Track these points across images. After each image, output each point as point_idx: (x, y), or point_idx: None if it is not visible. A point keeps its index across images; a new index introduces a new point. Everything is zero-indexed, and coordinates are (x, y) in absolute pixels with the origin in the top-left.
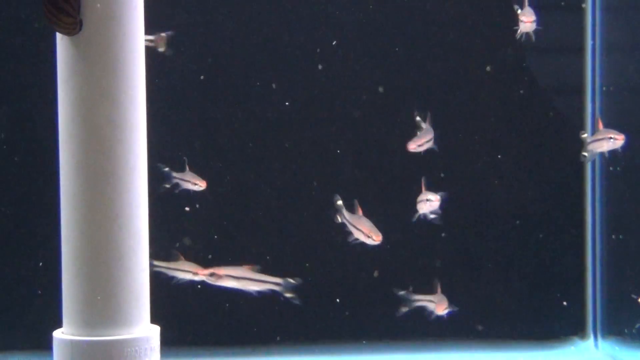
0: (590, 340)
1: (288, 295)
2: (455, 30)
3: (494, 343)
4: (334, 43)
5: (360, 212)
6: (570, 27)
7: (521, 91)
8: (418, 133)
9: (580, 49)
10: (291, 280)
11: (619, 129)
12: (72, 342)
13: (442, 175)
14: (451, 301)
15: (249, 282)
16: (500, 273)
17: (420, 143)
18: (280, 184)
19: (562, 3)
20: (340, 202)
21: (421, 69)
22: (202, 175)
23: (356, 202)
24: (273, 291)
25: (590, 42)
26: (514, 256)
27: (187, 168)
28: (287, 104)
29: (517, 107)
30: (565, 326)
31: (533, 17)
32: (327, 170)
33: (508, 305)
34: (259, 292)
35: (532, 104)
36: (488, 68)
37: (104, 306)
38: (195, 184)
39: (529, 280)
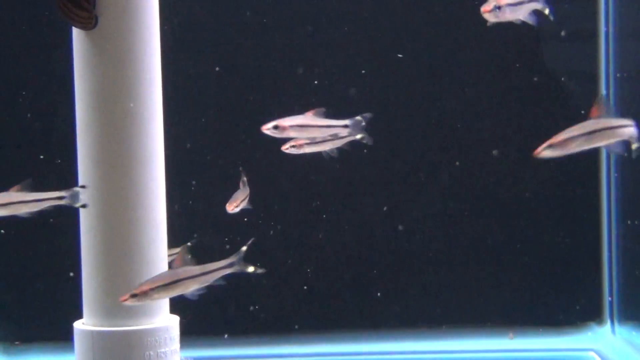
0: (608, 326)
1: (79, 205)
2: (468, 18)
3: (511, 330)
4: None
5: None
6: (584, 13)
7: (535, 78)
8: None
9: (593, 36)
10: (77, 189)
11: (634, 116)
12: (92, 332)
13: (457, 163)
14: (468, 288)
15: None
16: (516, 260)
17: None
18: (297, 175)
19: None
20: None
21: (433, 57)
22: (218, 167)
23: None
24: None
25: (603, 29)
26: (530, 243)
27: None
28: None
29: (531, 94)
30: (582, 312)
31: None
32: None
33: (525, 291)
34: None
35: (545, 91)
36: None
37: None
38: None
39: (545, 266)
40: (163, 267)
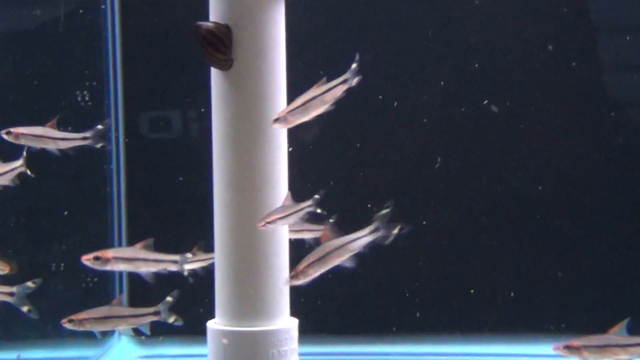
0: None
1: (185, 269)
2: (533, 36)
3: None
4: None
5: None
6: None
7: (609, 111)
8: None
9: None
10: (189, 255)
11: None
12: (223, 331)
13: (540, 188)
14: (537, 295)
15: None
16: (579, 270)
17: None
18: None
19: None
20: None
21: (499, 71)
22: (346, 187)
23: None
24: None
25: None
26: (593, 254)
27: None
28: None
29: (596, 114)
30: None
31: None
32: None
33: (592, 302)
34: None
35: (609, 111)
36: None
37: (251, 301)
38: None
39: (606, 277)
40: (284, 275)
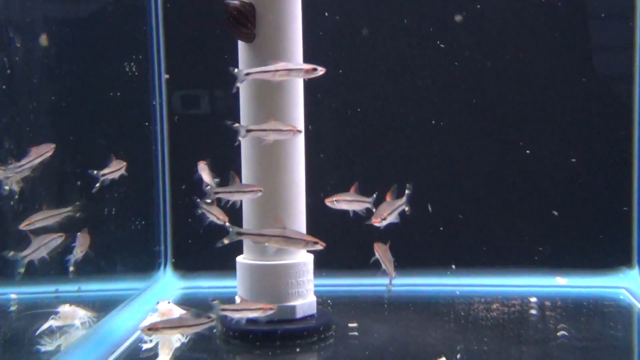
0: (636, 270)
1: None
2: (525, 29)
3: (555, 270)
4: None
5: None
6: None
7: (583, 79)
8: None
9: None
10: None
11: None
12: (250, 265)
13: (521, 143)
14: (522, 234)
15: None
16: (563, 212)
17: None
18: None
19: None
20: None
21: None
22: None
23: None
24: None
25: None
26: (574, 198)
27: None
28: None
29: (579, 93)
30: (615, 257)
31: None
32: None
33: (569, 239)
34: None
35: (590, 91)
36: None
37: None
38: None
39: (587, 219)
40: (302, 218)
